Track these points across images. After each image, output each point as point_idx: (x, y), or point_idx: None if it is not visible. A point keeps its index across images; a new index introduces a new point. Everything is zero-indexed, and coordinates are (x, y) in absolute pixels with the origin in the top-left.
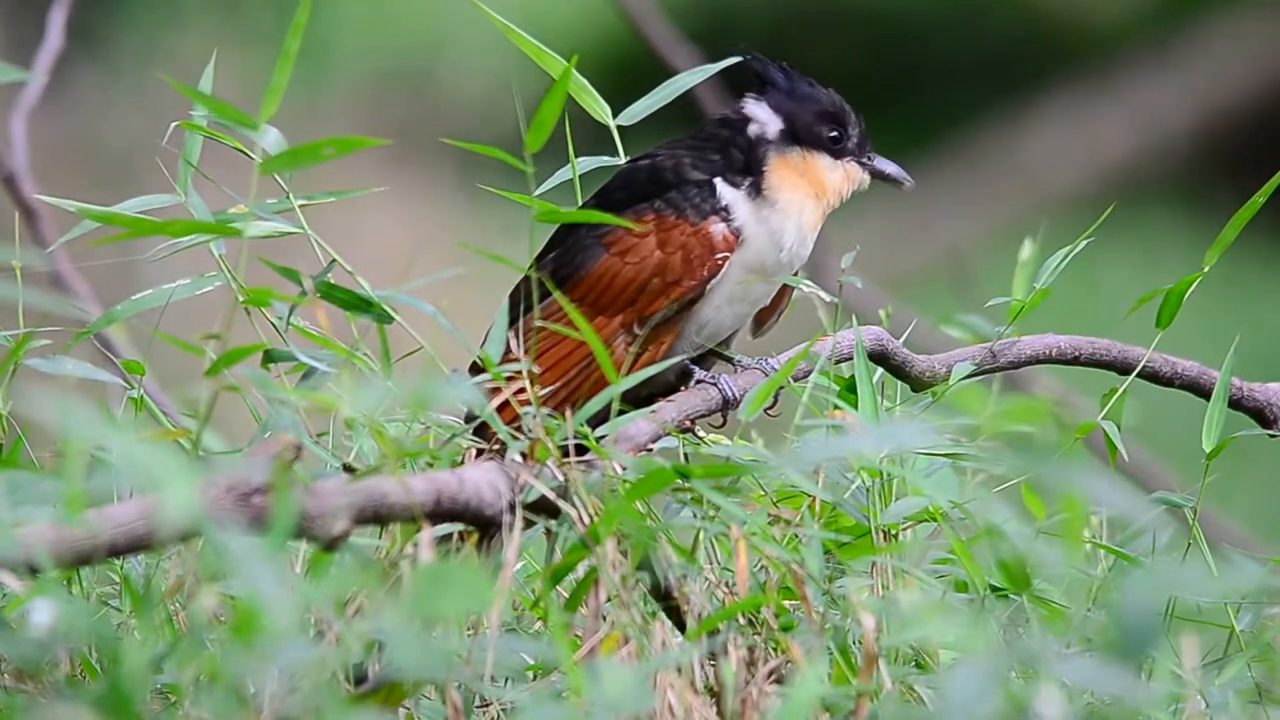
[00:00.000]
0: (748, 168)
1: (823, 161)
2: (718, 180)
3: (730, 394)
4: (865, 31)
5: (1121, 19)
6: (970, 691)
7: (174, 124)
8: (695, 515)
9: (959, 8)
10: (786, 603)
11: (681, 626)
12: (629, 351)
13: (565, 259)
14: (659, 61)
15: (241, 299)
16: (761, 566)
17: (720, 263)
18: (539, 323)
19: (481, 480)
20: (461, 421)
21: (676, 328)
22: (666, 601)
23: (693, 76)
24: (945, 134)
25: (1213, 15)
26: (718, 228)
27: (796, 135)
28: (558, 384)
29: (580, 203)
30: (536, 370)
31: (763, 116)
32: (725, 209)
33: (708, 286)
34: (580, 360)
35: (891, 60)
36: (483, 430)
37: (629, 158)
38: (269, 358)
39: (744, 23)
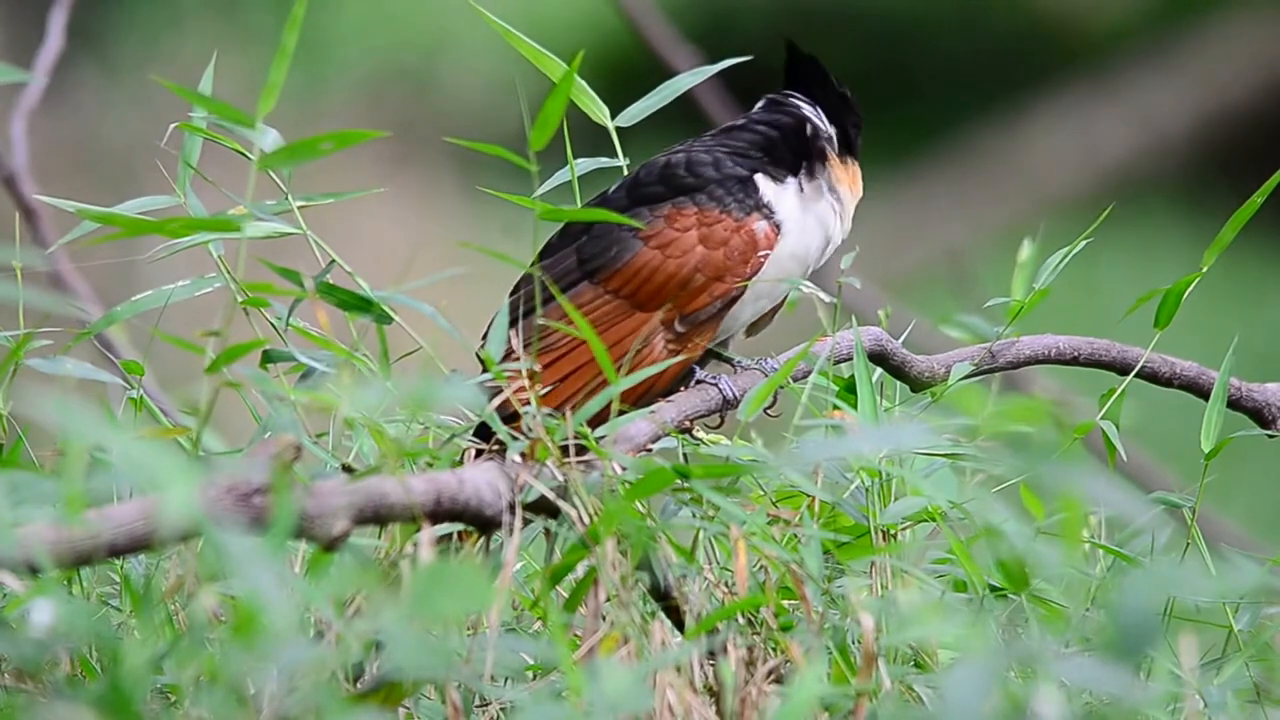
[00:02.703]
0: (798, 165)
1: (857, 169)
2: (759, 175)
3: (730, 394)
4: (864, 31)
5: (1121, 19)
6: (969, 691)
7: (173, 126)
8: (695, 515)
9: (959, 8)
10: (786, 603)
11: (681, 626)
12: (667, 349)
13: (595, 249)
14: (658, 62)
15: (241, 299)
16: (761, 566)
17: (762, 260)
18: (542, 321)
19: (481, 480)
20: (462, 421)
21: (715, 326)
22: (666, 601)
23: (692, 77)
24: (945, 134)
25: (1212, 16)
26: (760, 225)
27: (846, 142)
28: (591, 383)
29: (580, 203)
30: (539, 369)
31: (818, 121)
32: (767, 205)
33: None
34: (615, 358)
35: (891, 60)
36: (488, 431)
37: (663, 151)
38: (268, 358)
39: (744, 23)
